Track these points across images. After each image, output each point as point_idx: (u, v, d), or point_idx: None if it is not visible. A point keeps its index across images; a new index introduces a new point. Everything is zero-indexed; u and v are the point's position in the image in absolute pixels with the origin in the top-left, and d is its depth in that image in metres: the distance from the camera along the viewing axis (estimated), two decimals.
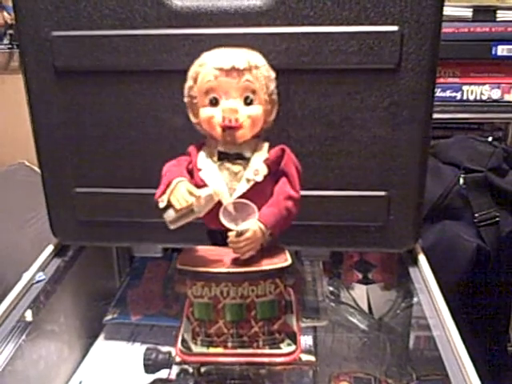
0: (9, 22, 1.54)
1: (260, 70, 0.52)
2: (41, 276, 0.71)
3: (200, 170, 0.54)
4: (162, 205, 0.52)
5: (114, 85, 0.67)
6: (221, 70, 0.51)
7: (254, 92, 0.52)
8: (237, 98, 0.51)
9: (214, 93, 0.51)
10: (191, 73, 0.53)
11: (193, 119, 0.55)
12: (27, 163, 1.61)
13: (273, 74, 0.54)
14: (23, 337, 0.64)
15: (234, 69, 0.50)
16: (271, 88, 0.53)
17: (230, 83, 0.51)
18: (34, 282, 0.70)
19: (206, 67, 0.52)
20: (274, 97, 0.54)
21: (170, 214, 0.52)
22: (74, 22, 0.65)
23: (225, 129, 0.51)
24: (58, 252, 0.77)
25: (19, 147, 1.65)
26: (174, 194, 0.51)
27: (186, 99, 0.55)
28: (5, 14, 1.51)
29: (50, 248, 0.76)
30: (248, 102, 0.52)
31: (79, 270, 0.79)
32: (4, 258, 1.19)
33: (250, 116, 0.51)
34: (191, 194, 0.51)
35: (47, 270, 0.73)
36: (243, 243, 0.51)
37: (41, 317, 0.68)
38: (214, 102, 0.52)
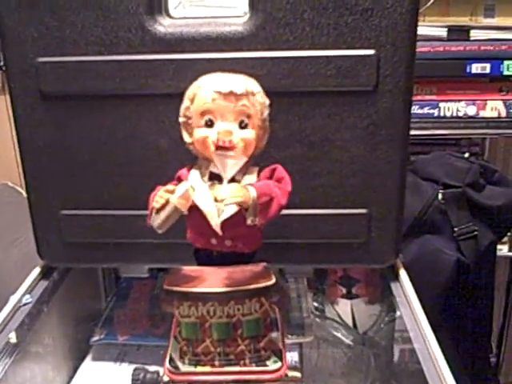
0: None
1: (256, 96, 0.54)
2: (28, 299, 0.71)
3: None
4: (151, 219, 0.53)
5: (99, 109, 0.69)
6: (219, 93, 0.52)
7: (248, 116, 0.53)
8: (232, 121, 0.52)
9: (211, 115, 0.52)
10: (188, 93, 0.54)
11: (187, 139, 0.56)
12: (10, 184, 1.60)
13: (267, 101, 0.55)
14: (10, 359, 0.64)
15: (231, 93, 0.52)
16: (265, 114, 0.55)
17: (227, 106, 0.52)
18: (21, 304, 0.70)
19: (204, 89, 0.53)
20: (267, 123, 0.56)
21: (155, 219, 0.53)
22: (59, 48, 0.66)
23: (218, 148, 0.52)
24: (45, 274, 0.77)
25: (1, 168, 1.64)
26: (154, 201, 0.53)
27: (181, 119, 0.55)
28: None
29: (37, 270, 0.77)
30: (242, 125, 0.53)
31: (66, 292, 0.79)
32: None
33: (243, 139, 0.52)
34: (167, 191, 0.52)
35: (34, 293, 0.73)
36: (230, 189, 0.50)
37: (28, 339, 0.68)
38: (210, 124, 0.53)
